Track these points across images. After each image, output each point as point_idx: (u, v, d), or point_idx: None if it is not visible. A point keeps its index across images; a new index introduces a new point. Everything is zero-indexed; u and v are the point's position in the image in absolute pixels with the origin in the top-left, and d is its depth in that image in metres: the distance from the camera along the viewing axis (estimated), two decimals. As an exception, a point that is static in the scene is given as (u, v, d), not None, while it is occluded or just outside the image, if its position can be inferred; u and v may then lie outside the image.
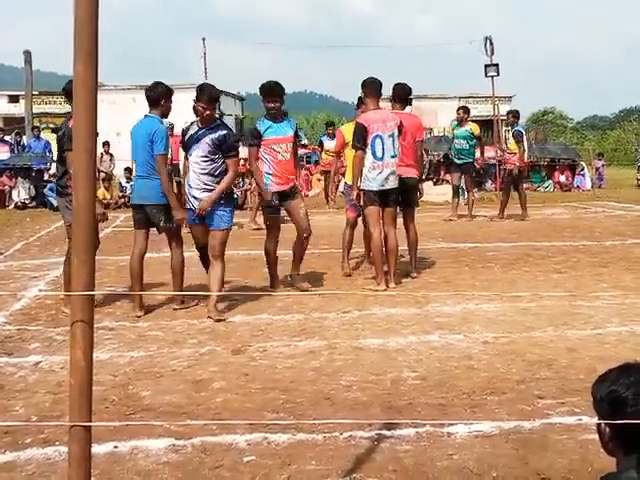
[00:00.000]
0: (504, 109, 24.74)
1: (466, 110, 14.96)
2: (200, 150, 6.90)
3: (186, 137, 7.04)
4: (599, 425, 2.17)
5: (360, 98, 8.73)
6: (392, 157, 7.84)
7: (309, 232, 7.94)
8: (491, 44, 22.56)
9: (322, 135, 21.18)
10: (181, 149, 7.60)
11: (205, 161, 6.90)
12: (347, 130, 8.81)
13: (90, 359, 1.92)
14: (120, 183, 20.53)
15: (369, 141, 7.77)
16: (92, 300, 1.93)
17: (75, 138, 1.84)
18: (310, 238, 8.10)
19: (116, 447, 3.99)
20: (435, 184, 22.13)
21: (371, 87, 8.01)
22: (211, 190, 6.89)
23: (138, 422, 4.24)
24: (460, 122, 14.74)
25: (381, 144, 7.76)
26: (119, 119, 24.52)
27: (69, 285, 5.99)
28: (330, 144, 15.83)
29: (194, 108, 7.15)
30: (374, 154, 7.77)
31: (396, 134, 7.93)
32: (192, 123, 7.12)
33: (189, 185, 7.01)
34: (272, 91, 7.72)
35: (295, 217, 7.93)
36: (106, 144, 21.18)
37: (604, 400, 2.14)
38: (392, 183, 7.91)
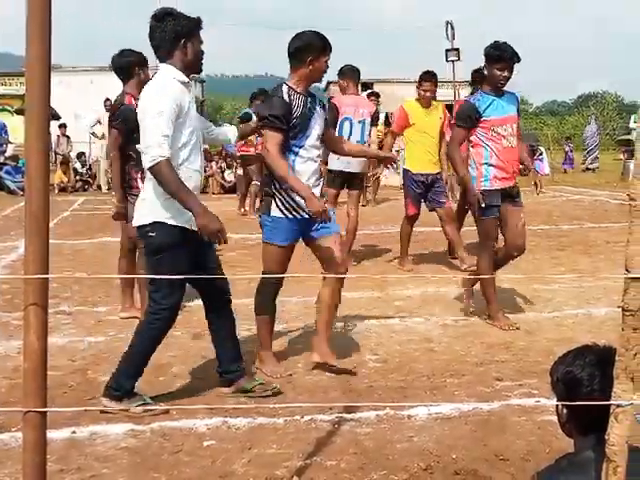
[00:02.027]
0: (465, 93, 24.81)
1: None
2: (319, 128, 4.82)
3: (295, 115, 4.67)
4: (557, 406, 2.20)
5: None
6: (357, 142, 7.79)
7: (522, 250, 6.06)
8: (452, 29, 22.66)
9: None
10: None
11: (321, 143, 4.94)
12: (411, 107, 8.29)
13: (44, 343, 1.88)
14: (75, 168, 20.26)
15: (338, 122, 7.91)
16: (46, 284, 1.89)
17: (27, 117, 1.79)
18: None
19: (74, 432, 3.94)
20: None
21: (350, 74, 8.23)
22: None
23: (96, 407, 4.19)
24: None
25: (349, 127, 7.90)
26: (76, 101, 23.98)
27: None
28: None
29: (310, 65, 4.71)
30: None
31: (367, 121, 8.09)
32: (278, 91, 4.73)
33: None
34: (504, 54, 5.73)
35: (510, 229, 5.92)
36: (63, 126, 20.80)
37: (560, 381, 2.17)
38: (356, 167, 7.97)
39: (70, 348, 5.42)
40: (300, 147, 4.74)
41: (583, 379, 2.09)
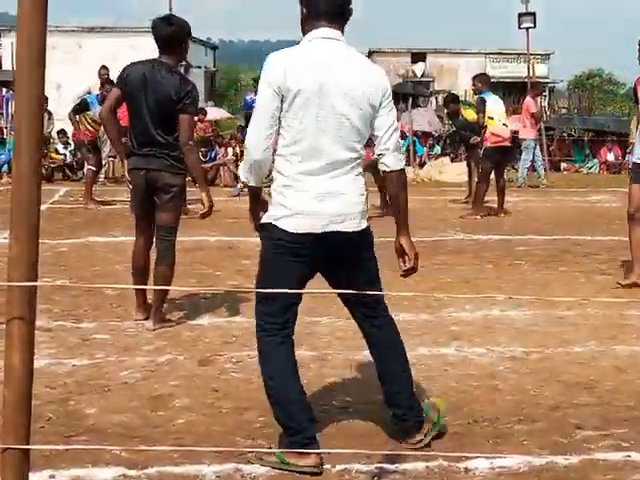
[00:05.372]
0: (540, 70, 24.69)
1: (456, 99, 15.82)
2: None
3: None
4: None
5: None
6: None
7: None
8: (528, -13, 22.57)
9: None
10: None
11: None
12: None
13: (30, 367, 1.92)
14: (57, 149, 20.29)
15: None
16: (34, 293, 1.92)
17: (18, 93, 1.82)
18: None
19: (53, 476, 3.97)
20: (452, 161, 22.26)
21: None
22: None
23: (81, 446, 4.23)
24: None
25: None
26: (60, 69, 23.33)
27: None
28: None
29: None
30: None
31: None
32: None
33: None
34: None
35: None
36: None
37: None
38: None
39: (49, 372, 5.47)
40: None
41: None
